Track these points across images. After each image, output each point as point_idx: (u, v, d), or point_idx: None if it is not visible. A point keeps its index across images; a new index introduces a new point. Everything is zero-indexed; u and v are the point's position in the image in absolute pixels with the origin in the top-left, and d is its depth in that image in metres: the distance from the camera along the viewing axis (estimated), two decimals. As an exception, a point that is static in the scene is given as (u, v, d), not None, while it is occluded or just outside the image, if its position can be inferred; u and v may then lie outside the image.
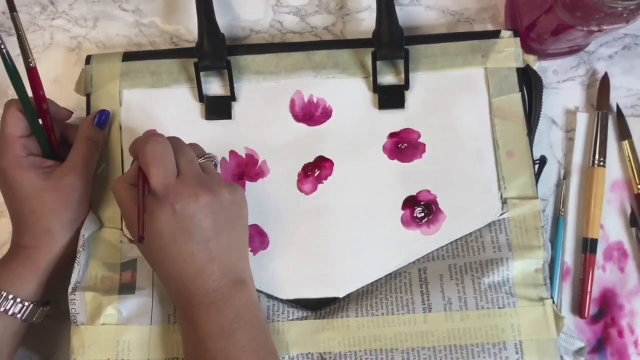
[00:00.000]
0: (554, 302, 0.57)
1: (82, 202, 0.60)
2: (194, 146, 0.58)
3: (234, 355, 0.51)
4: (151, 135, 0.54)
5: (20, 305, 0.57)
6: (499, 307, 0.57)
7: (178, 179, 0.53)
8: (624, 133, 0.65)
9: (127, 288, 0.59)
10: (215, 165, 0.59)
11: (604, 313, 0.63)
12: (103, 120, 0.63)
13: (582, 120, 0.66)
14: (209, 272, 0.53)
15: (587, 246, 0.63)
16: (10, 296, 0.56)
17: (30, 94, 0.60)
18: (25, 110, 0.59)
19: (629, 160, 0.65)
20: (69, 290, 0.57)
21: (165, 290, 0.56)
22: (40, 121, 0.60)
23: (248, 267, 0.57)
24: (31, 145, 0.60)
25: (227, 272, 0.53)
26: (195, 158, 0.55)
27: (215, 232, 0.53)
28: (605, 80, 0.66)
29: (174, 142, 0.55)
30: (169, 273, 0.53)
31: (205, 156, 0.57)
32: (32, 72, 0.60)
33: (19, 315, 0.57)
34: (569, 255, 0.64)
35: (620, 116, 0.65)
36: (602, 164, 0.64)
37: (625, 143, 0.65)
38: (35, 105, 0.60)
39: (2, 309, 0.56)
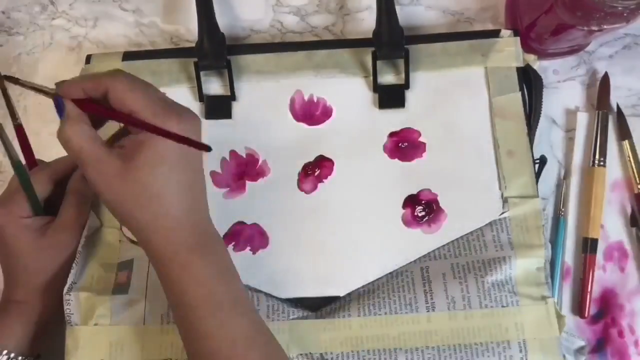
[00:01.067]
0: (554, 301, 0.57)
1: (73, 257, 0.59)
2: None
3: (237, 298, 0.49)
4: (113, 71, 0.49)
5: None
6: (502, 306, 0.56)
7: (166, 103, 0.48)
8: (624, 133, 0.65)
9: (121, 288, 0.59)
10: None
11: (604, 313, 0.63)
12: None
13: (582, 120, 0.66)
14: (198, 210, 0.49)
15: (588, 246, 0.63)
16: (5, 351, 0.56)
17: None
18: (16, 169, 0.57)
19: (629, 160, 0.65)
20: (64, 290, 0.57)
21: (139, 236, 0.49)
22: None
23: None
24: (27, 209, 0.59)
25: (207, 213, 0.50)
26: (160, 91, 0.51)
27: (199, 164, 0.49)
28: (605, 80, 0.66)
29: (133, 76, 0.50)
30: (162, 210, 0.47)
31: None
32: (19, 131, 0.59)
33: None
34: (569, 255, 0.64)
35: (620, 116, 0.65)
36: (602, 163, 0.64)
37: (626, 143, 0.65)
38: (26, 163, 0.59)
39: None
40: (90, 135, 0.48)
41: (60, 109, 0.51)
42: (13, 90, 0.67)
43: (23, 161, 0.58)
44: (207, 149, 0.46)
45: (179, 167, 0.47)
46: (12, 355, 0.56)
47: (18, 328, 0.57)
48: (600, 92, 0.66)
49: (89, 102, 0.48)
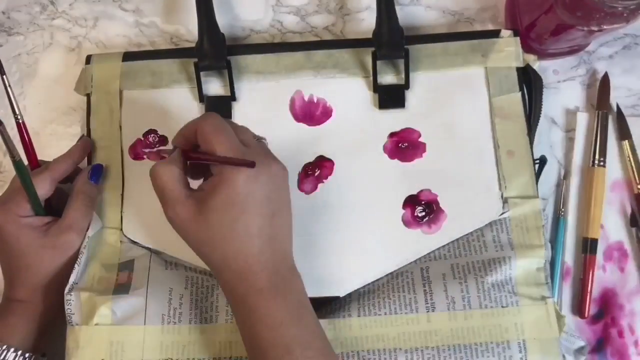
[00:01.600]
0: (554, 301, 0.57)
1: (76, 257, 0.59)
2: (245, 126, 0.55)
3: (307, 340, 0.50)
4: (205, 113, 0.52)
5: (21, 358, 0.56)
6: (502, 306, 0.56)
7: (245, 148, 0.50)
8: (624, 133, 0.65)
9: (122, 288, 0.58)
10: (266, 144, 0.56)
11: (604, 313, 0.63)
12: (98, 174, 0.62)
13: (582, 120, 0.66)
14: (272, 251, 0.50)
15: (587, 246, 0.63)
16: (12, 349, 0.56)
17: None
18: (17, 168, 0.57)
19: (629, 160, 0.65)
20: (66, 290, 0.57)
21: (221, 278, 0.51)
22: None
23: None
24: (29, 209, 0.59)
25: (285, 254, 0.52)
26: (251, 135, 0.53)
27: (280, 207, 0.51)
28: (605, 80, 0.66)
29: (229, 121, 0.53)
30: (231, 253, 0.49)
31: (259, 137, 0.55)
32: (20, 128, 0.59)
33: None
34: (569, 255, 0.64)
35: (620, 116, 0.65)
36: (602, 164, 0.64)
37: (626, 143, 0.65)
38: (29, 160, 0.60)
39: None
40: (176, 176, 0.50)
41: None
42: (13, 89, 0.67)
43: (25, 161, 0.58)
44: (251, 164, 0.47)
45: (252, 209, 0.49)
46: (20, 352, 0.56)
47: (21, 326, 0.57)
48: (600, 92, 0.66)
49: (188, 150, 0.52)
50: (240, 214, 0.48)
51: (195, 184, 0.53)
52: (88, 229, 0.60)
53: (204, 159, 0.50)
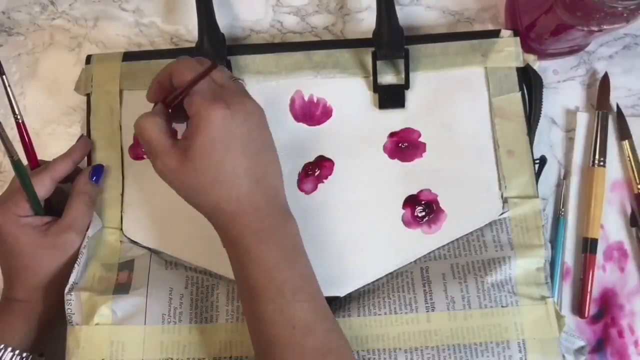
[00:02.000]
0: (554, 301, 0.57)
1: (76, 257, 0.59)
2: (220, 65, 0.55)
3: (299, 284, 0.50)
4: (178, 58, 0.52)
5: (18, 358, 0.56)
6: (502, 306, 0.56)
7: (220, 88, 0.50)
8: (624, 133, 0.65)
9: (122, 288, 0.58)
10: (243, 85, 0.56)
11: (604, 313, 0.63)
12: (98, 175, 0.62)
13: (582, 120, 0.66)
14: (264, 193, 0.50)
15: (587, 246, 0.63)
16: (9, 348, 0.56)
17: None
18: (16, 168, 0.57)
19: (629, 160, 0.65)
20: (66, 290, 0.57)
21: (215, 222, 0.52)
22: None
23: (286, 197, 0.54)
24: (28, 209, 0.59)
25: (276, 195, 0.51)
26: (227, 75, 0.53)
27: (263, 146, 0.51)
28: (605, 80, 0.66)
29: (204, 61, 0.52)
30: (223, 196, 0.49)
31: (235, 78, 0.54)
32: (20, 128, 0.59)
33: None
34: (569, 255, 0.64)
35: (620, 116, 0.65)
36: (602, 164, 0.64)
37: (626, 143, 0.65)
38: (28, 160, 0.60)
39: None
40: (161, 127, 0.50)
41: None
42: (13, 89, 0.67)
43: (24, 161, 0.58)
44: (213, 64, 0.48)
45: (235, 148, 0.48)
46: (17, 352, 0.56)
47: (20, 326, 0.57)
48: (600, 92, 0.66)
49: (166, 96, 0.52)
50: (225, 153, 0.48)
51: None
52: (88, 228, 0.60)
53: (178, 94, 0.50)
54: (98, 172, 0.62)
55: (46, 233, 0.58)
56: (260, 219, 0.50)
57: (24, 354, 0.57)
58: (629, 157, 0.65)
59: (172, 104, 0.52)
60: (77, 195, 0.60)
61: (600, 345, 0.63)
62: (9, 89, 0.57)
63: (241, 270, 0.51)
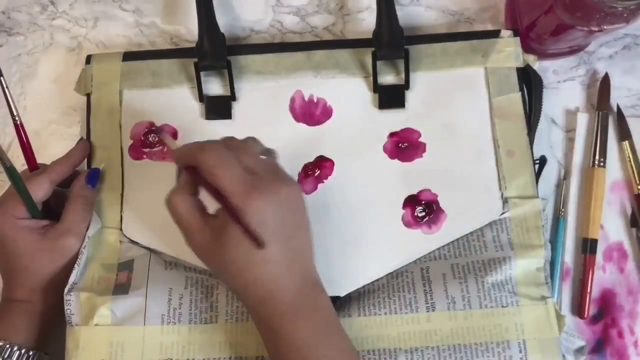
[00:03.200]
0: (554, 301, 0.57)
1: (75, 260, 0.59)
2: (251, 141, 0.55)
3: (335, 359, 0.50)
4: (203, 143, 0.51)
5: (25, 356, 0.57)
6: (502, 306, 0.56)
7: (251, 176, 0.49)
8: (624, 133, 0.65)
9: (121, 289, 0.58)
10: (275, 157, 0.56)
11: (603, 314, 0.63)
12: (94, 178, 0.62)
13: (582, 121, 0.66)
14: (292, 274, 0.50)
15: (587, 247, 0.63)
16: (15, 346, 0.56)
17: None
18: (9, 175, 0.57)
19: (629, 161, 0.65)
20: (65, 290, 0.57)
21: (244, 302, 0.52)
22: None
23: (316, 269, 0.54)
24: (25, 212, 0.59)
25: (306, 274, 0.51)
26: (257, 154, 0.53)
27: (294, 229, 0.51)
28: (605, 80, 0.66)
29: (230, 142, 0.53)
30: (251, 280, 0.49)
31: (269, 151, 0.54)
32: (18, 129, 0.59)
33: None
34: (568, 255, 0.64)
35: (620, 116, 0.65)
36: (602, 164, 0.64)
37: (626, 143, 0.65)
38: (27, 162, 0.60)
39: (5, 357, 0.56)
40: (192, 205, 0.51)
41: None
42: (13, 89, 0.68)
43: (18, 165, 0.58)
44: (259, 245, 0.47)
45: (266, 238, 0.48)
46: (24, 350, 0.56)
47: (22, 325, 0.57)
48: (600, 92, 0.66)
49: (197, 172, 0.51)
50: (253, 247, 0.48)
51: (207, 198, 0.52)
52: (87, 231, 0.60)
53: (217, 198, 0.49)
54: (94, 176, 0.62)
55: (44, 236, 0.58)
56: (289, 301, 0.50)
57: (30, 352, 0.57)
58: (629, 157, 0.65)
59: (200, 184, 0.51)
60: (73, 200, 0.60)
61: (600, 345, 0.63)
62: (7, 90, 0.57)
63: (274, 350, 0.51)
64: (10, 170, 0.56)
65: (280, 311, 0.50)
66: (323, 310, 0.52)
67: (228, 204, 0.48)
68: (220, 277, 0.53)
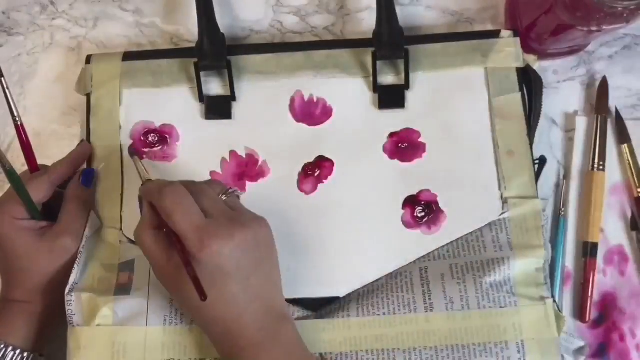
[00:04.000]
0: (554, 301, 0.57)
1: (74, 261, 0.59)
2: (213, 183, 0.56)
3: None
4: (163, 185, 0.52)
5: (20, 357, 0.56)
6: (500, 307, 0.56)
7: (207, 220, 0.50)
8: (623, 136, 0.65)
9: (123, 289, 0.58)
10: (238, 197, 0.57)
11: (605, 317, 0.63)
12: (89, 178, 0.62)
13: (581, 124, 0.66)
14: (252, 311, 0.51)
15: (588, 250, 0.63)
16: (10, 347, 0.56)
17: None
18: (9, 176, 0.57)
19: (629, 164, 0.64)
20: (66, 291, 0.57)
21: (207, 336, 0.53)
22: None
23: (284, 300, 0.55)
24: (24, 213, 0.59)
25: (269, 308, 0.52)
26: (217, 196, 0.54)
27: (254, 268, 0.51)
28: (604, 83, 0.66)
29: (191, 185, 0.53)
30: (210, 318, 0.51)
31: (229, 192, 0.55)
32: (19, 130, 0.59)
33: None
34: (569, 259, 0.64)
35: (619, 120, 0.65)
36: (601, 167, 0.64)
37: (625, 147, 0.65)
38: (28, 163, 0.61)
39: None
40: (156, 240, 0.52)
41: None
42: (13, 89, 0.68)
43: (18, 168, 0.58)
44: (203, 297, 0.47)
45: (222, 281, 0.50)
46: (18, 351, 0.56)
47: (20, 326, 0.57)
48: (599, 96, 0.66)
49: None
50: (211, 287, 0.48)
51: None
52: (85, 230, 0.60)
53: (175, 238, 0.50)
54: (88, 175, 0.62)
55: (43, 238, 0.58)
56: (250, 336, 0.51)
57: (25, 354, 0.57)
58: (628, 160, 0.64)
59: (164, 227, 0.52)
60: (69, 201, 0.60)
61: (602, 349, 0.62)
62: (7, 91, 0.57)
63: None
64: (10, 173, 0.56)
65: (241, 346, 0.50)
66: (287, 343, 0.52)
67: (184, 248, 0.49)
68: (185, 309, 0.55)
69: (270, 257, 0.54)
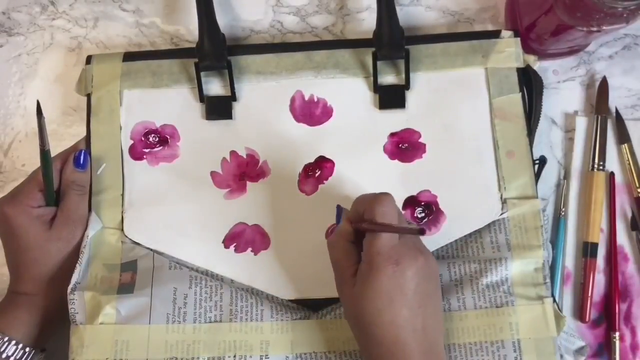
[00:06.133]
0: (555, 301, 0.57)
1: (78, 250, 0.60)
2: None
3: None
4: (382, 195, 0.52)
5: (21, 352, 0.57)
6: (496, 306, 0.56)
7: (398, 244, 0.51)
8: (623, 136, 0.65)
9: (126, 288, 0.58)
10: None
11: (605, 317, 0.63)
12: (82, 160, 0.62)
13: (581, 124, 0.66)
14: (418, 342, 0.50)
15: (588, 250, 0.63)
16: (13, 341, 0.56)
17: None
18: (42, 157, 0.59)
19: (629, 164, 0.64)
20: (69, 290, 0.57)
21: (364, 350, 0.53)
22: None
23: (442, 339, 0.54)
24: (42, 198, 0.60)
25: (432, 346, 0.51)
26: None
27: (426, 298, 0.51)
28: (603, 83, 0.66)
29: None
30: (377, 336, 0.50)
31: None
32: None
33: None
34: (569, 259, 0.64)
35: (619, 120, 0.65)
36: (601, 168, 0.64)
37: (625, 146, 0.65)
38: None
39: (4, 355, 0.56)
40: (345, 250, 0.53)
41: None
42: (13, 89, 0.68)
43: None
44: (420, 232, 0.48)
45: (398, 302, 0.50)
46: (20, 345, 0.57)
47: (25, 319, 0.58)
48: (598, 96, 0.66)
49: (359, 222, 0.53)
50: (387, 305, 0.49)
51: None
52: (87, 227, 0.60)
53: (375, 229, 0.51)
54: (82, 157, 0.62)
55: (51, 226, 0.59)
56: None
57: (27, 348, 0.57)
58: (628, 160, 0.65)
59: (360, 231, 0.53)
60: (66, 187, 0.61)
61: (601, 349, 0.62)
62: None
63: None
64: (46, 155, 0.58)
65: None
66: None
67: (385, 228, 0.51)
68: (352, 324, 0.53)
69: (438, 292, 0.54)
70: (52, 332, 0.60)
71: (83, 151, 0.63)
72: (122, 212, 0.62)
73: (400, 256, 0.50)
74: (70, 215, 0.60)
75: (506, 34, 0.64)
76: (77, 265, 0.58)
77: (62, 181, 0.61)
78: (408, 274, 0.50)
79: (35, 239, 0.58)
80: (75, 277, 0.58)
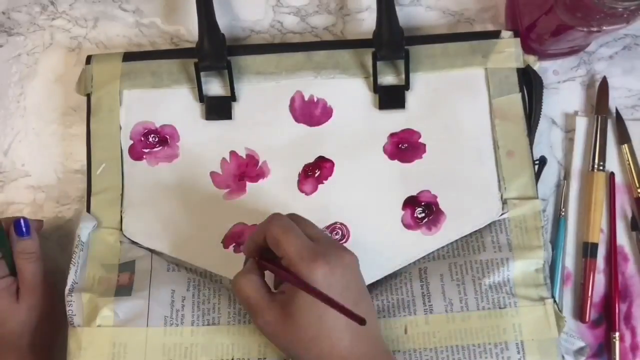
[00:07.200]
0: (555, 301, 0.57)
1: (49, 316, 0.60)
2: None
3: None
4: (270, 217, 0.52)
5: None
6: (500, 308, 0.56)
7: (314, 243, 0.51)
8: (623, 137, 0.65)
9: (123, 290, 0.58)
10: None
11: (605, 318, 0.63)
12: (24, 228, 0.61)
13: (581, 125, 0.66)
14: (364, 342, 0.50)
15: (588, 250, 0.63)
16: None
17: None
18: None
19: (629, 164, 0.64)
20: (66, 291, 0.57)
21: None
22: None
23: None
24: (5, 267, 0.60)
25: (376, 340, 0.52)
26: (314, 224, 0.55)
27: (359, 295, 0.51)
28: (604, 84, 0.66)
29: (293, 216, 0.54)
30: (326, 350, 0.49)
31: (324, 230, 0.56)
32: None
33: None
34: (569, 259, 0.64)
35: (619, 120, 0.65)
36: (601, 168, 0.64)
37: (625, 147, 0.65)
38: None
39: None
40: (257, 285, 0.52)
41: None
42: (13, 89, 0.68)
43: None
44: (361, 321, 0.45)
45: (342, 300, 0.48)
46: None
47: None
48: (598, 96, 0.66)
49: (264, 260, 0.53)
50: (325, 309, 0.48)
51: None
52: (80, 219, 0.60)
53: (286, 277, 0.51)
54: (22, 225, 0.61)
55: (19, 297, 0.59)
56: None
57: None
58: (628, 161, 0.65)
59: (266, 269, 0.53)
60: (17, 257, 0.60)
61: (601, 350, 0.62)
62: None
63: None
64: None
65: None
66: None
67: (294, 275, 0.49)
68: (290, 352, 0.52)
69: (366, 290, 0.54)
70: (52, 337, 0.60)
71: (22, 219, 0.61)
72: (122, 212, 0.62)
73: (325, 255, 0.49)
74: (29, 284, 0.59)
75: (506, 34, 0.64)
76: (72, 265, 0.58)
77: (13, 251, 0.60)
78: (338, 272, 0.49)
79: (7, 313, 0.58)
80: (71, 277, 0.58)
